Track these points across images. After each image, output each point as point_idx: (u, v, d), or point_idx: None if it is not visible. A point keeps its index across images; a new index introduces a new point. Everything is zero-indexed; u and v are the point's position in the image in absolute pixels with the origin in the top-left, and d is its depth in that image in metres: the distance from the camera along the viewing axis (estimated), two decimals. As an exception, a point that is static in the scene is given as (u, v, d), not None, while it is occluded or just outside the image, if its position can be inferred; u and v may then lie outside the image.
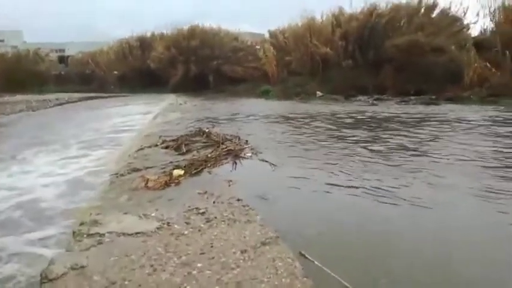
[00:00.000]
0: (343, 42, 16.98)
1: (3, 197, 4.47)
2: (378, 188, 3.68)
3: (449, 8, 16.23)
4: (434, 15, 16.58)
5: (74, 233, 2.88)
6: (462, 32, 15.94)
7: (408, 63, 14.62)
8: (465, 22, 16.00)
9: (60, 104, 19.24)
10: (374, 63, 15.85)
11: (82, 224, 3.06)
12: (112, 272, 2.19)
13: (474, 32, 15.90)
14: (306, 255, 2.31)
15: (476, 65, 12.72)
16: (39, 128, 10.71)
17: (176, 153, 5.58)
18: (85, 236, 2.78)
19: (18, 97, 22.28)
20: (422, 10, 16.66)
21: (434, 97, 12.51)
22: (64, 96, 22.94)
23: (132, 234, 2.74)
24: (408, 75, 14.42)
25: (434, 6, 16.62)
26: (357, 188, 3.75)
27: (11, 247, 3.15)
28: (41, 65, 31.69)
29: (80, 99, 21.89)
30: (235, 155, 5.12)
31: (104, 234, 2.76)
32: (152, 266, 2.24)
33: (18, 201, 4.37)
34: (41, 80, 30.51)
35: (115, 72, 27.46)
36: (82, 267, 2.29)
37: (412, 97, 13.03)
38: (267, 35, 22.99)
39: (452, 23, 16.14)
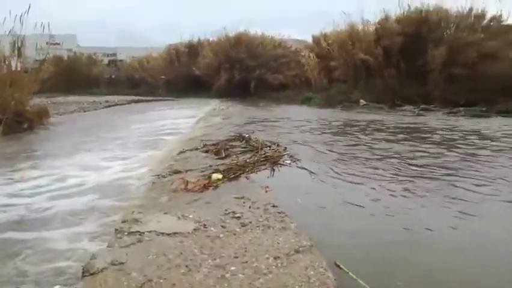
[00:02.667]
0: (385, 51, 16.48)
1: (48, 191, 4.75)
2: (422, 204, 3.56)
3: (500, 15, 15.38)
4: (484, 22, 15.75)
5: (116, 230, 3.01)
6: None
7: (457, 72, 14.02)
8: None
9: (109, 106, 20.13)
10: (420, 72, 15.32)
11: (123, 221, 3.19)
12: (149, 270, 2.27)
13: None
14: (341, 266, 2.28)
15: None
16: (88, 128, 11.27)
17: (216, 157, 5.68)
18: (126, 233, 2.90)
19: (71, 98, 23.56)
20: (472, 18, 15.85)
21: (484, 109, 11.93)
22: (114, 98, 23.99)
23: (170, 234, 2.83)
24: (457, 85, 13.80)
25: (484, 14, 15.80)
26: (397, 199, 3.65)
27: (56, 241, 3.34)
28: (93, 69, 33.37)
29: (128, 102, 22.80)
30: (274, 162, 5.15)
31: (143, 233, 2.86)
32: (187, 266, 2.31)
33: (63, 196, 4.63)
34: (93, 83, 32.11)
35: (162, 76, 28.43)
36: (121, 263, 2.39)
37: (461, 108, 12.48)
38: (310, 41, 22.87)
39: (506, 30, 15.28)
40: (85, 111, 16.98)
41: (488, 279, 2.32)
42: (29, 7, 11.06)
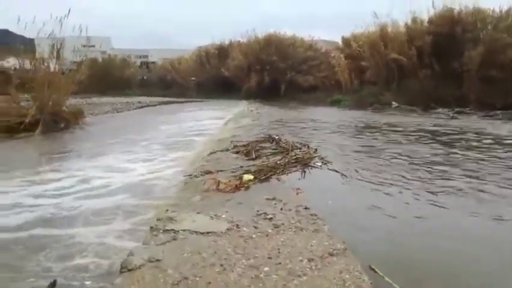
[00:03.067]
0: (418, 52, 16.06)
1: (85, 190, 4.91)
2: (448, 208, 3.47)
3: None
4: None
5: (151, 228, 3.08)
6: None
7: (494, 74, 13.53)
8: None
9: (142, 107, 20.62)
10: (455, 74, 14.86)
11: (158, 219, 3.27)
12: (184, 268, 2.32)
13: None
14: (376, 270, 2.25)
15: None
16: (122, 128, 11.58)
17: (246, 158, 5.72)
18: (161, 231, 2.97)
19: (105, 99, 24.27)
20: (510, 19, 15.17)
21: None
22: (146, 99, 24.58)
23: (204, 233, 2.87)
24: (494, 87, 13.32)
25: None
26: (432, 204, 3.57)
27: (96, 237, 3.46)
28: (126, 70, 34.29)
29: (160, 103, 23.28)
30: (304, 164, 5.13)
31: (178, 231, 2.92)
32: (222, 265, 2.34)
33: (99, 194, 4.78)
34: (126, 84, 32.99)
35: (193, 78, 28.88)
36: (158, 260, 2.44)
37: (498, 111, 12.04)
38: (340, 42, 22.64)
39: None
40: (118, 112, 17.47)
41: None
42: (69, 11, 11.49)
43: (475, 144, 7.02)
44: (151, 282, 2.17)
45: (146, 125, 12.57)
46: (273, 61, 23.69)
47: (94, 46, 33.99)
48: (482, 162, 5.40)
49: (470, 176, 4.58)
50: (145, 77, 35.75)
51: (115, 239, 3.48)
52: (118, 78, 33.03)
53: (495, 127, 9.33)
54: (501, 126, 9.64)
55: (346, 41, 21.30)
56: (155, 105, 22.10)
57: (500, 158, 5.68)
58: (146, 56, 45.29)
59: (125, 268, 2.38)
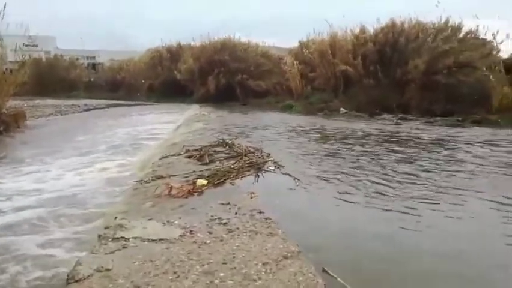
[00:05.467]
0: (363, 61, 16.84)
1: (29, 196, 4.63)
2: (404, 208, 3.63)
3: (477, 30, 15.92)
4: (461, 35, 16.28)
5: (99, 236, 2.95)
6: (491, 54, 15.59)
7: (434, 83, 14.41)
8: (494, 44, 15.61)
9: (88, 110, 19.79)
10: (398, 82, 15.69)
11: (107, 227, 3.13)
12: (136, 276, 2.23)
13: (503, 55, 15.48)
14: (329, 272, 2.30)
15: (505, 88, 12.44)
16: (66, 132, 11.04)
17: (199, 163, 5.65)
18: (110, 239, 2.84)
19: (49, 101, 23.04)
20: (449, 30, 16.35)
21: (460, 119, 12.28)
22: (92, 102, 23.60)
23: (156, 240, 2.79)
24: (434, 95, 14.19)
25: (460, 27, 16.33)
26: (380, 206, 3.72)
27: (37, 248, 3.25)
28: (72, 71, 32.71)
29: (108, 106, 22.46)
30: (258, 168, 5.15)
31: (128, 239, 2.81)
32: (175, 272, 2.28)
33: (44, 201, 4.52)
34: (72, 86, 31.48)
35: (143, 81, 28.08)
36: (107, 269, 2.34)
37: (438, 118, 12.81)
38: (293, 48, 23.07)
39: (481, 45, 15.83)
40: (62, 115, 16.64)
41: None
42: (5, 6, 10.80)
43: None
44: (100, 293, 2.07)
45: (92, 128, 12.06)
46: (226, 65, 23.66)
47: (37, 46, 32.13)
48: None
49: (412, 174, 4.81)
50: (91, 79, 34.29)
51: (59, 249, 3.30)
52: (63, 80, 31.41)
53: (426, 131, 9.90)
54: (432, 130, 10.22)
55: (298, 48, 21.77)
56: (102, 108, 21.29)
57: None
58: (94, 57, 43.55)
59: (72, 279, 2.25)
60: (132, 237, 2.84)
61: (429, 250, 2.86)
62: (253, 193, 3.98)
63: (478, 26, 15.74)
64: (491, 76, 12.53)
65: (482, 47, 15.43)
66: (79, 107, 20.34)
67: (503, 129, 10.43)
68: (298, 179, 4.66)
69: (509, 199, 4.02)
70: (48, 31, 44.26)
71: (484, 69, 13.07)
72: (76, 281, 2.22)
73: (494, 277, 2.54)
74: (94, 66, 38.87)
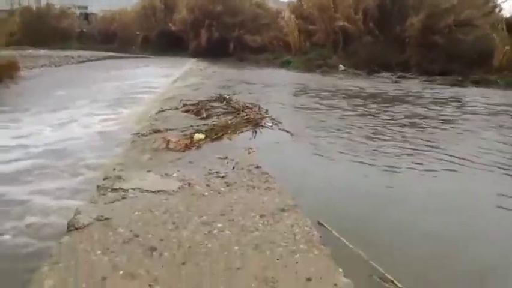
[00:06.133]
0: (364, 17, 16.38)
1: (29, 147, 4.62)
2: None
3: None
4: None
5: (98, 187, 2.97)
6: (494, 12, 15.20)
7: (433, 41, 14.15)
8: (497, 2, 15.16)
9: (82, 62, 19.39)
10: (398, 40, 15.38)
11: (105, 178, 3.16)
12: (135, 226, 2.28)
13: (506, 13, 15.08)
14: (324, 224, 2.36)
15: (507, 47, 12.23)
16: (61, 84, 10.86)
17: (197, 117, 5.62)
18: (109, 190, 2.87)
19: (41, 52, 22.48)
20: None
21: (460, 78, 12.18)
22: (86, 54, 23.05)
23: (155, 191, 2.82)
24: (434, 54, 13.97)
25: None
26: (374, 163, 3.77)
27: (37, 196, 3.29)
28: (64, 21, 31.63)
29: (102, 58, 21.98)
30: (255, 124, 5.15)
31: (127, 190, 2.84)
32: (174, 223, 2.32)
33: (42, 152, 4.53)
34: (64, 36, 30.56)
35: (137, 33, 27.28)
36: (107, 219, 2.38)
37: (438, 77, 12.69)
38: (291, 2, 22.34)
39: (483, 2, 15.39)
40: (56, 66, 16.30)
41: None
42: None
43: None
44: (100, 240, 2.11)
45: (88, 80, 11.87)
46: (220, 15, 22.89)
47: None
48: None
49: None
50: (84, 30, 33.25)
51: (58, 198, 3.34)
52: (54, 30, 30.39)
53: (423, 91, 9.86)
54: (425, 90, 10.18)
55: (297, 2, 21.08)
56: (97, 60, 20.85)
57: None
58: (86, 7, 42.00)
59: (72, 227, 2.29)
60: (131, 188, 2.87)
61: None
62: (250, 148, 3.99)
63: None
64: (494, 35, 12.25)
65: (484, 5, 15.04)
66: (73, 58, 19.89)
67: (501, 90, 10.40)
68: (294, 135, 4.68)
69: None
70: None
71: (488, 27, 12.75)
72: (76, 229, 2.26)
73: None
74: (86, 16, 37.56)
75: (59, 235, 2.38)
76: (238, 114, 5.61)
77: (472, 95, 9.33)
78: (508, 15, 14.63)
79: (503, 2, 14.58)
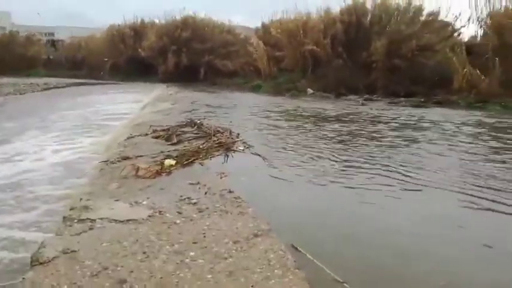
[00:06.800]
0: (331, 42, 16.95)
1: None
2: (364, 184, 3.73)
3: (439, 12, 16.30)
4: (423, 18, 16.60)
5: (64, 218, 2.86)
6: (453, 36, 16.05)
7: (397, 65, 14.76)
8: (456, 27, 16.07)
9: (49, 89, 18.94)
10: (363, 64, 15.94)
11: (72, 209, 3.04)
12: (104, 258, 2.19)
13: (464, 37, 15.97)
14: (298, 248, 2.34)
15: (466, 70, 12.87)
16: (26, 112, 10.54)
17: (167, 143, 5.56)
18: (75, 221, 2.77)
19: (6, 79, 21.85)
20: (411, 12, 16.61)
21: (423, 100, 12.67)
22: (52, 80, 22.58)
23: (123, 221, 2.74)
24: (399, 77, 14.54)
25: (422, 9, 16.65)
26: (349, 184, 3.80)
27: (1, 230, 3.12)
28: (30, 49, 30.99)
29: (69, 85, 21.57)
30: (227, 148, 5.13)
31: (95, 220, 2.75)
32: (144, 253, 2.25)
33: (6, 183, 4.33)
34: (30, 64, 29.90)
35: (106, 59, 27.03)
36: (74, 251, 2.28)
37: (402, 98, 13.16)
38: (258, 29, 22.85)
39: (443, 27, 16.24)
40: (21, 94, 15.84)
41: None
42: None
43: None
44: (67, 275, 2.01)
45: (53, 107, 11.57)
46: (189, 41, 23.11)
47: (-10, 22, 30.18)
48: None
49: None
50: (51, 57, 32.66)
51: (20, 231, 3.18)
52: (20, 57, 29.72)
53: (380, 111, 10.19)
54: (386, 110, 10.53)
55: (265, 28, 21.56)
56: (63, 87, 20.42)
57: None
58: (53, 34, 41.45)
59: (37, 261, 2.18)
60: (99, 219, 2.78)
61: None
62: (223, 173, 3.97)
63: (439, 7, 16.14)
64: (454, 58, 12.87)
65: (443, 30, 15.87)
66: (39, 85, 19.42)
67: (460, 110, 10.87)
68: (266, 159, 4.68)
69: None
70: (1, 6, 41.65)
71: (447, 50, 13.40)
72: (41, 263, 2.15)
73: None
74: (53, 43, 37.00)
75: (22, 271, 2.26)
76: (209, 138, 5.58)
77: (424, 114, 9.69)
78: (466, 39, 15.48)
79: (463, 27, 15.42)
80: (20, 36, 31.76)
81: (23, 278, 2.03)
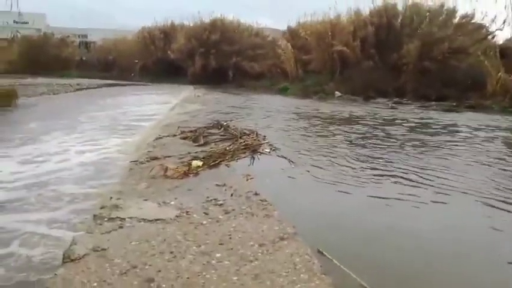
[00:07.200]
0: (362, 44, 16.71)
1: (24, 178, 4.58)
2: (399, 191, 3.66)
3: (473, 15, 15.78)
4: (456, 20, 16.13)
5: (94, 216, 2.94)
6: (487, 39, 15.52)
7: (428, 68, 14.40)
8: (490, 30, 15.52)
9: (81, 89, 19.51)
10: (394, 66, 15.64)
11: (102, 207, 3.12)
12: (132, 256, 2.24)
13: (499, 40, 15.40)
14: (324, 253, 2.32)
15: (500, 74, 12.43)
16: (59, 112, 10.90)
17: (195, 144, 5.63)
18: (105, 219, 2.84)
19: (40, 80, 22.66)
20: (444, 15, 16.17)
21: (455, 104, 12.31)
22: (85, 81, 23.26)
23: (152, 220, 2.79)
24: (429, 80, 14.20)
25: (455, 11, 16.18)
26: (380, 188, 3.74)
27: (34, 227, 3.23)
28: (64, 50, 32.06)
29: (101, 86, 22.17)
30: (253, 150, 5.15)
31: (124, 219, 2.81)
32: (172, 252, 2.28)
33: (38, 182, 4.47)
34: (64, 65, 30.90)
35: (136, 60, 27.65)
36: (103, 249, 2.34)
37: (433, 102, 12.83)
38: (285, 31, 22.85)
39: (476, 29, 15.74)
40: (55, 94, 16.39)
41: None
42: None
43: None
44: (97, 272, 2.07)
45: (86, 108, 11.91)
46: (218, 43, 23.33)
47: (27, 23, 31.36)
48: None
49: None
50: (83, 58, 33.70)
51: (53, 229, 3.28)
52: (54, 58, 30.74)
53: (416, 115, 9.94)
54: (419, 114, 10.27)
55: (293, 31, 21.53)
56: (95, 88, 21.00)
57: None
58: (86, 36, 42.70)
59: (68, 258, 2.25)
60: (128, 218, 2.84)
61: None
62: (249, 175, 3.98)
63: (474, 9, 15.64)
64: (485, 62, 12.46)
65: (477, 32, 15.37)
66: (72, 86, 20.02)
67: (494, 114, 10.49)
68: (293, 162, 4.67)
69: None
70: (38, 8, 43.26)
71: (479, 54, 12.98)
72: (72, 260, 2.21)
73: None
74: (86, 44, 38.17)
75: (54, 267, 2.34)
76: (236, 140, 5.62)
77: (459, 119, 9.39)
78: (501, 42, 14.93)
79: (499, 30, 14.88)
80: (54, 37, 32.87)
81: (55, 274, 2.10)
